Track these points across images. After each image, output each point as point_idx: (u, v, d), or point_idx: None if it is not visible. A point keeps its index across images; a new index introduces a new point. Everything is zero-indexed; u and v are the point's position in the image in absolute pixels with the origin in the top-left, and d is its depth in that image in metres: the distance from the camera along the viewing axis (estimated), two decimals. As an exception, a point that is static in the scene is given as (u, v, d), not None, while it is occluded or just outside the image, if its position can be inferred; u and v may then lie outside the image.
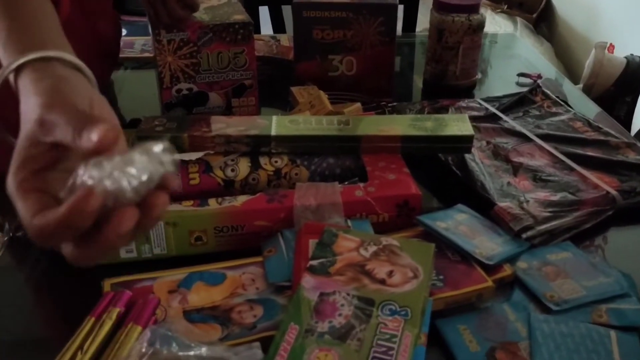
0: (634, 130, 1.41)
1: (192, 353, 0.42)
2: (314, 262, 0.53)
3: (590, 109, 0.97)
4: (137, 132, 0.70)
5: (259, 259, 0.59)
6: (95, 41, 0.84)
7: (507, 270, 0.59)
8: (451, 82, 1.00)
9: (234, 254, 0.61)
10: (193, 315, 0.52)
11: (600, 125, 0.87)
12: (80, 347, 0.46)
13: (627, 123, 1.43)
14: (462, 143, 0.72)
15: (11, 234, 0.65)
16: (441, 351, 0.52)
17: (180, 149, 0.70)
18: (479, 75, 1.03)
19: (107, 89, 0.98)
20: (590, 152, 0.79)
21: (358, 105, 0.87)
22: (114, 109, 0.41)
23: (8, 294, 0.59)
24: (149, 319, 0.49)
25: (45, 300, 0.59)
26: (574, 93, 1.06)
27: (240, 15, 0.83)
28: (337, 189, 0.64)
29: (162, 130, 0.70)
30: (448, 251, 0.60)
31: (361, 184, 0.66)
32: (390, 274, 0.52)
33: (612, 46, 1.82)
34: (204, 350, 0.42)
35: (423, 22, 1.28)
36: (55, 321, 0.56)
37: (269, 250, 0.60)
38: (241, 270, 0.58)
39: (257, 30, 1.32)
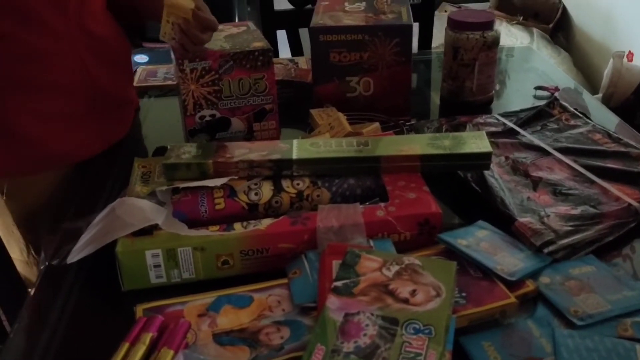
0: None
1: (223, 376, 0.43)
2: (338, 283, 0.55)
3: (609, 120, 0.97)
4: (164, 160, 0.73)
5: (285, 280, 0.61)
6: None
7: (529, 286, 0.60)
8: (468, 99, 1.01)
9: (260, 276, 0.63)
10: (222, 338, 0.54)
11: (621, 137, 0.87)
12: (116, 372, 0.47)
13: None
14: (481, 160, 0.73)
15: (47, 263, 0.67)
16: (467, 368, 0.53)
17: (205, 175, 0.72)
18: (497, 87, 1.04)
19: (135, 114, 1.02)
20: (610, 164, 0.80)
21: (376, 125, 0.89)
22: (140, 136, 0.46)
23: (45, 321, 0.61)
24: (180, 342, 0.50)
25: (80, 327, 0.61)
26: (592, 104, 1.06)
27: (259, 43, 0.86)
28: (359, 210, 0.66)
29: (188, 157, 0.73)
30: (470, 268, 0.61)
31: (382, 204, 0.68)
32: (413, 293, 0.53)
33: (631, 54, 1.81)
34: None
35: (439, 37, 1.29)
36: (92, 347, 0.58)
37: (293, 272, 0.62)
38: (267, 292, 0.59)
39: (276, 53, 1.34)
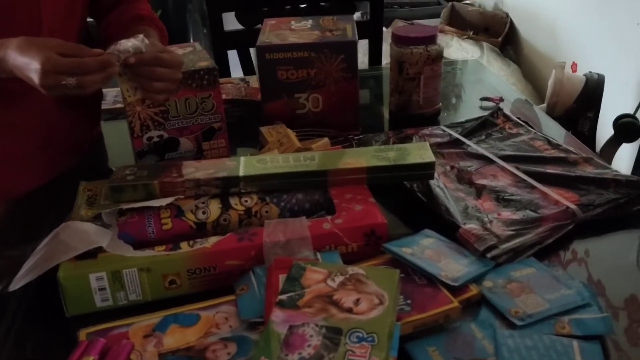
0: (598, 144, 1.45)
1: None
2: (283, 297, 0.55)
3: (555, 130, 1.01)
4: (109, 182, 0.72)
5: (232, 297, 0.61)
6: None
7: (473, 290, 0.61)
8: (415, 112, 1.04)
9: (208, 294, 0.62)
10: (168, 358, 0.53)
11: (560, 143, 0.90)
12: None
13: (591, 137, 1.48)
14: (425, 170, 0.75)
15: (-12, 292, 0.66)
16: (412, 374, 0.54)
17: (152, 195, 0.72)
18: (440, 103, 1.07)
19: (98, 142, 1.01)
20: (550, 170, 0.82)
21: (326, 140, 0.90)
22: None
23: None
24: (123, 364, 0.50)
25: (23, 354, 0.60)
26: (538, 114, 1.09)
27: (205, 62, 0.86)
28: (305, 224, 0.66)
29: (133, 179, 0.72)
30: (415, 276, 0.62)
31: (328, 217, 0.68)
32: (357, 302, 0.54)
33: (574, 64, 1.88)
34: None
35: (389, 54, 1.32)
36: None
37: (241, 288, 0.62)
38: (214, 310, 0.59)
39: (228, 73, 1.35)
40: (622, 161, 1.51)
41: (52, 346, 0.60)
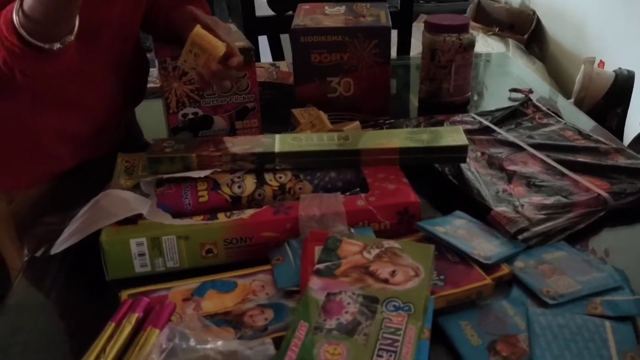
0: (626, 141, 1.45)
1: (209, 346, 0.44)
2: (320, 266, 0.56)
3: (583, 122, 1.01)
4: (147, 154, 0.74)
5: (268, 267, 0.62)
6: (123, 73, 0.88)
7: (504, 270, 0.62)
8: (445, 99, 1.04)
9: (243, 264, 0.64)
10: (207, 321, 0.55)
11: (590, 134, 0.90)
12: (102, 350, 0.48)
13: (619, 134, 1.47)
14: (457, 153, 0.76)
15: (30, 255, 0.68)
16: (445, 346, 0.55)
17: (188, 168, 0.73)
18: (473, 93, 1.07)
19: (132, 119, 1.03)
20: (581, 159, 0.83)
21: (357, 123, 0.91)
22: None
23: (30, 310, 0.62)
24: (166, 322, 0.51)
25: (64, 314, 0.62)
26: (567, 107, 1.09)
27: (241, 42, 0.87)
28: (340, 199, 0.68)
29: (171, 151, 0.74)
30: (448, 253, 0.63)
31: (362, 194, 0.69)
32: (393, 273, 0.55)
33: (602, 63, 1.87)
34: (219, 344, 0.45)
35: (417, 46, 1.33)
36: (77, 332, 0.58)
37: (277, 258, 0.63)
38: (251, 278, 0.61)
39: (258, 58, 1.37)
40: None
41: (92, 308, 0.62)
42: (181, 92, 0.86)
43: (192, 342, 0.44)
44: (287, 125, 0.95)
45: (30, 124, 0.77)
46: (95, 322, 0.54)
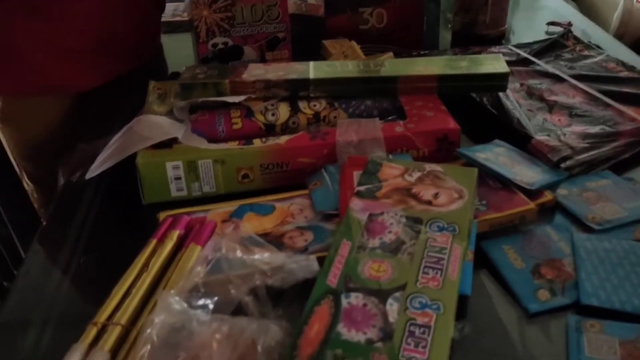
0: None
1: (256, 257, 0.44)
2: (361, 188, 0.55)
3: (626, 55, 0.96)
4: (179, 80, 0.72)
5: (306, 191, 0.61)
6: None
7: (547, 196, 0.61)
8: (481, 32, 1.00)
9: (280, 190, 0.63)
10: (246, 241, 0.54)
11: (634, 65, 0.86)
12: (145, 265, 0.48)
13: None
14: (498, 81, 0.73)
15: (65, 180, 0.67)
16: (488, 270, 0.54)
17: (221, 94, 0.72)
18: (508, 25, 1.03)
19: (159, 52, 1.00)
20: (625, 89, 0.79)
21: (390, 54, 0.88)
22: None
23: (67, 234, 0.62)
24: (207, 239, 0.51)
25: (103, 237, 0.62)
26: (608, 41, 1.05)
27: (271, -30, 0.84)
28: (378, 125, 0.66)
29: (204, 77, 0.72)
30: (489, 180, 0.62)
31: (401, 121, 0.68)
32: (436, 195, 0.54)
33: (640, 0, 1.79)
34: (266, 256, 0.44)
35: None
36: (116, 256, 0.58)
37: (314, 183, 0.62)
38: (289, 202, 0.60)
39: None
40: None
41: (130, 231, 0.62)
42: (211, 21, 0.84)
43: (238, 253, 0.44)
44: (318, 57, 0.93)
45: (21, 37, 0.76)
46: (134, 244, 0.54)
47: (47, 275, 0.56)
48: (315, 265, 0.47)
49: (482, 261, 0.54)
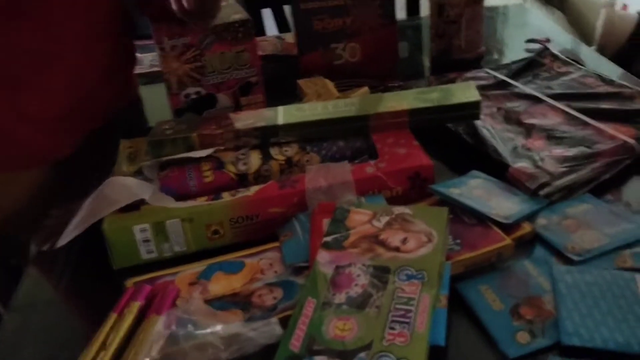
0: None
1: (208, 331, 0.42)
2: (328, 238, 0.54)
3: (607, 68, 0.95)
4: (148, 137, 0.72)
5: (276, 244, 0.60)
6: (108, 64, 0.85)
7: (526, 228, 0.59)
8: (457, 56, 1.00)
9: (252, 243, 0.62)
10: (214, 304, 0.53)
11: (613, 79, 0.85)
12: (103, 343, 0.47)
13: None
14: (470, 110, 0.72)
15: (38, 250, 0.66)
16: (465, 313, 0.52)
17: (191, 149, 0.71)
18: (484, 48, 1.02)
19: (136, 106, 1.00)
20: (604, 105, 0.78)
21: (365, 89, 0.87)
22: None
23: (38, 305, 0.61)
24: (169, 309, 0.49)
25: (73, 307, 0.61)
26: (589, 55, 1.03)
27: (239, 14, 0.84)
28: (347, 168, 0.65)
29: (172, 132, 0.72)
30: (464, 216, 0.60)
31: (371, 161, 0.66)
32: (404, 240, 0.52)
33: (625, 7, 1.78)
34: (219, 328, 0.43)
35: (427, 6, 1.27)
36: (86, 325, 0.57)
37: (285, 234, 0.61)
38: (259, 256, 0.58)
39: (262, 32, 1.33)
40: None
41: (101, 299, 0.61)
42: (182, 72, 0.84)
43: (190, 328, 0.43)
44: (295, 98, 0.92)
45: None
46: (105, 313, 0.53)
47: (15, 349, 0.55)
48: (277, 330, 0.45)
49: (459, 304, 0.52)
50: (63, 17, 0.77)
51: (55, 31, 0.77)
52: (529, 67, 0.92)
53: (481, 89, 0.86)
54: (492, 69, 0.93)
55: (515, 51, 1.06)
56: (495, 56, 1.06)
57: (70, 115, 0.83)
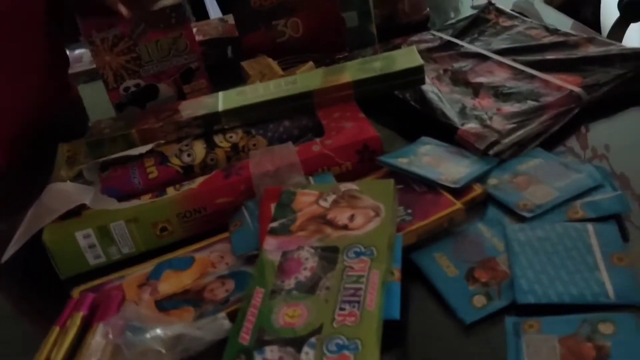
0: (604, 29, 1.37)
1: (147, 336, 0.41)
2: (275, 224, 0.52)
3: (555, 19, 0.94)
4: (86, 139, 0.69)
5: (226, 235, 0.58)
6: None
7: (477, 190, 0.58)
8: (402, 21, 0.98)
9: (205, 236, 0.60)
10: (165, 304, 0.51)
11: (557, 28, 0.84)
12: (47, 359, 0.45)
13: (596, 23, 1.39)
14: (414, 75, 0.70)
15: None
16: (422, 283, 0.51)
17: (132, 146, 0.68)
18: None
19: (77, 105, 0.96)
20: (549, 56, 0.77)
21: (310, 64, 0.85)
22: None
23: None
24: (114, 315, 0.48)
25: (20, 321, 0.58)
26: (538, 6, 1.02)
27: (170, 0, 0.81)
28: (293, 149, 0.63)
29: (110, 131, 0.69)
30: (415, 185, 0.59)
31: (317, 139, 0.65)
32: (352, 217, 0.51)
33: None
34: (159, 331, 0.41)
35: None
36: (32, 339, 0.55)
37: (234, 224, 0.59)
38: (209, 250, 0.57)
39: (205, 15, 1.29)
40: (633, 42, 1.43)
41: (50, 311, 0.58)
42: (116, 65, 0.80)
43: (129, 336, 0.41)
44: (240, 80, 0.89)
45: None
46: (49, 326, 0.51)
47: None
48: (225, 324, 0.44)
49: (415, 274, 0.51)
50: None
51: None
52: (474, 24, 0.91)
53: (427, 51, 0.85)
54: (437, 30, 0.91)
55: (461, 10, 1.04)
56: (442, 17, 1.04)
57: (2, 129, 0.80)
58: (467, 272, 0.50)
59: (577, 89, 0.68)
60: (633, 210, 0.53)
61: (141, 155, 0.67)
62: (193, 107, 0.70)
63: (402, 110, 0.75)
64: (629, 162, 0.60)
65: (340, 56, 0.91)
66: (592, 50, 0.76)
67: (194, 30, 1.05)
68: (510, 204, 0.55)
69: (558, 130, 0.66)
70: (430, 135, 0.68)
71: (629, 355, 0.41)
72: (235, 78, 0.90)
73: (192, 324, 0.44)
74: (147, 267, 0.56)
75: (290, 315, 0.43)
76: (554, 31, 0.83)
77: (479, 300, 0.48)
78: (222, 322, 0.43)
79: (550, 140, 0.65)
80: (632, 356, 0.40)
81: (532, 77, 0.73)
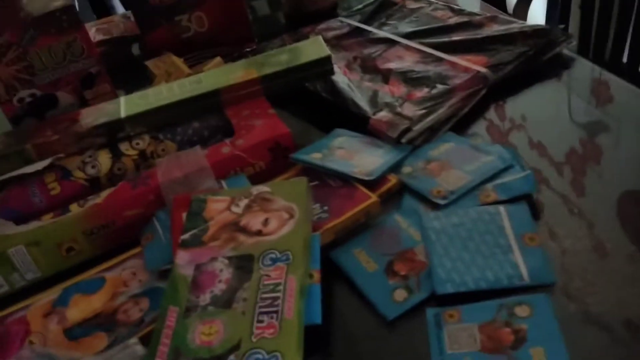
0: (510, 6, 1.41)
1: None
2: (186, 236, 0.50)
3: (469, 2, 0.95)
4: (-24, 159, 0.64)
5: (138, 249, 0.55)
6: None
7: (391, 180, 0.57)
8: (310, 8, 0.96)
9: (117, 251, 0.57)
10: (75, 331, 0.48)
11: (463, 8, 0.85)
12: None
13: (502, 1, 1.43)
14: (322, 66, 0.69)
15: None
16: (343, 281, 0.50)
17: (28, 162, 0.64)
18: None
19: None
20: (455, 37, 0.77)
21: (218, 59, 0.82)
22: None
23: None
24: (18, 351, 0.44)
25: None
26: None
27: (59, 1, 0.76)
28: (201, 153, 0.60)
29: (3, 148, 0.64)
30: (330, 180, 0.58)
31: (227, 140, 0.62)
32: (265, 222, 0.49)
33: None
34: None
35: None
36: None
37: (146, 237, 0.56)
38: (120, 267, 0.54)
39: (112, 11, 1.23)
40: (538, 17, 1.48)
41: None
42: (7, 75, 0.75)
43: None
44: (147, 80, 0.85)
45: None
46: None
47: None
48: (138, 350, 0.41)
49: (336, 273, 0.51)
50: None
51: None
52: (381, 8, 0.90)
53: (336, 39, 0.84)
54: (345, 16, 0.90)
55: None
56: (352, 1, 1.03)
57: None
58: (387, 265, 0.50)
59: (483, 70, 0.69)
60: (550, 179, 0.54)
61: (40, 172, 0.63)
62: (93, 116, 0.66)
63: (315, 102, 0.74)
64: (543, 134, 0.62)
65: (249, 49, 0.88)
66: (495, 29, 0.77)
67: (94, 29, 1.00)
68: (425, 192, 0.55)
69: (468, 112, 0.66)
70: (345, 126, 0.67)
71: (544, 336, 0.41)
72: (143, 78, 0.86)
73: (100, 355, 0.41)
74: (52, 294, 0.52)
75: (207, 333, 0.41)
76: (459, 11, 0.84)
77: (400, 295, 0.47)
78: (134, 348, 0.41)
79: (463, 123, 0.65)
80: (548, 336, 0.41)
81: (440, 59, 0.74)
